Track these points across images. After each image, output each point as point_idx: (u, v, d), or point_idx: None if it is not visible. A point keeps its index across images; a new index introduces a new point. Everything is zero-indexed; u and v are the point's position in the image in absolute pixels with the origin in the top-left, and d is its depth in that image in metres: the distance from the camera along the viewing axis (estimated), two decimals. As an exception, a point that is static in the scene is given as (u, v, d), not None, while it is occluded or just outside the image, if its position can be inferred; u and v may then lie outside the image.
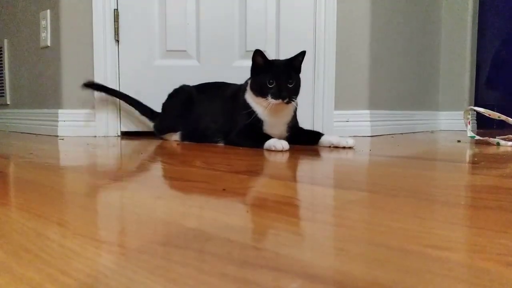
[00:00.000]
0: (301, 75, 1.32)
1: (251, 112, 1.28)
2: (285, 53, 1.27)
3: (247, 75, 1.33)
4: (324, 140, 1.29)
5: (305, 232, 0.38)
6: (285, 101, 1.22)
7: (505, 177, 0.70)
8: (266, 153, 1.10)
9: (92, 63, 1.73)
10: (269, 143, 1.18)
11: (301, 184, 0.64)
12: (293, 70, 1.27)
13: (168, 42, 1.77)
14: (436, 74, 2.44)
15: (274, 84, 1.23)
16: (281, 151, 1.14)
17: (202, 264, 0.30)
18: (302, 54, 1.28)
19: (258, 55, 1.25)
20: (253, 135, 1.28)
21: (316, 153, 1.13)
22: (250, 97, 1.30)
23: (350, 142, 1.24)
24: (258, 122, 1.29)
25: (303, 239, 0.36)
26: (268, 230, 0.39)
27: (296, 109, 1.35)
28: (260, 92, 1.26)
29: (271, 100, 1.22)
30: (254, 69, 1.29)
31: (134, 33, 1.75)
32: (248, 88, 1.32)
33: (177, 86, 1.60)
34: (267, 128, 1.30)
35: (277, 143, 1.16)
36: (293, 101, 1.27)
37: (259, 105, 1.28)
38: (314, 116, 1.77)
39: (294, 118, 1.36)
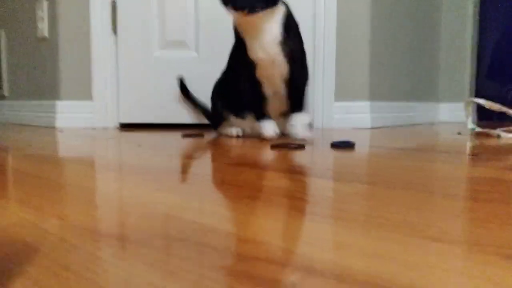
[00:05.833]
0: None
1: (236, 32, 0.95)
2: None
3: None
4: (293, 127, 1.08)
5: (304, 225, 0.38)
6: (245, 11, 0.86)
7: (506, 169, 0.70)
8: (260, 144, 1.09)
9: (90, 54, 1.72)
10: (263, 125, 0.91)
11: (299, 176, 0.64)
12: None
13: (167, 32, 1.75)
14: (436, 65, 2.43)
15: None
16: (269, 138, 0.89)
17: (202, 257, 0.30)
18: None
19: None
20: (246, 74, 0.96)
21: (311, 144, 1.12)
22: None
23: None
24: (242, 44, 0.96)
25: (302, 232, 0.36)
26: (267, 223, 0.39)
27: (287, 26, 0.92)
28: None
29: (230, 11, 0.89)
30: None
31: (132, 23, 1.74)
32: None
33: (176, 77, 1.59)
34: (253, 55, 0.95)
35: (268, 127, 0.89)
36: (258, 10, 0.86)
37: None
38: (314, 107, 1.77)
39: (291, 46, 0.93)
